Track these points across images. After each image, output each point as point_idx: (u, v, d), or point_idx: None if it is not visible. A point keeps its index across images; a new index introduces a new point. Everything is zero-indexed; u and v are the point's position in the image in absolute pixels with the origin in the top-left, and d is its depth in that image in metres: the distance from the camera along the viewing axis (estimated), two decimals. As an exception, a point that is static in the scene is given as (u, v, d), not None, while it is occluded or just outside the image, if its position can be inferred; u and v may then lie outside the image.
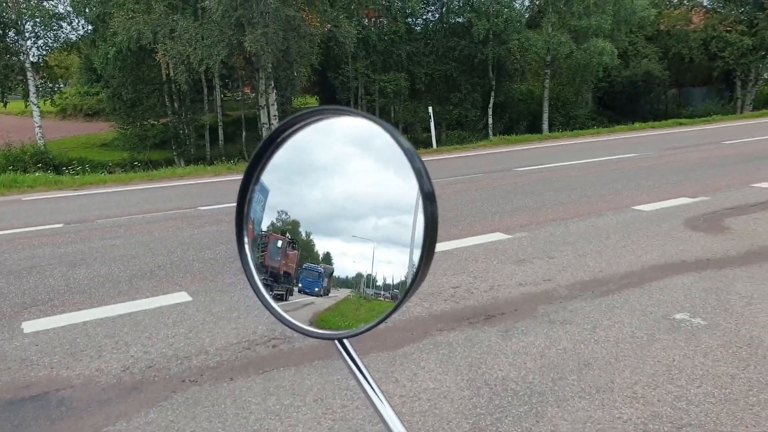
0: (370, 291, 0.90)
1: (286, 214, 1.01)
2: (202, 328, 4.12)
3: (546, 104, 31.52)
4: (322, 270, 1.02)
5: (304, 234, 0.99)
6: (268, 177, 1.00)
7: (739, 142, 13.80)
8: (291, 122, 0.95)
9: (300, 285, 0.95)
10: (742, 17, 32.93)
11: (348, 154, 0.99)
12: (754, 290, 4.47)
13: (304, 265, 0.96)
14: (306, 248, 0.97)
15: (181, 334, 4.02)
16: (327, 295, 0.94)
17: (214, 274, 5.34)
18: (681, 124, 19.87)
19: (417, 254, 0.85)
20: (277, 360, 3.62)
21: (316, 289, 0.94)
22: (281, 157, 0.99)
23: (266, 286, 0.96)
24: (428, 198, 0.82)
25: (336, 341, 0.86)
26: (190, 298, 4.72)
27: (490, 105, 29.92)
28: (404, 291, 0.83)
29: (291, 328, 0.88)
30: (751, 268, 5.01)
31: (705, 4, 37.15)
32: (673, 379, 3.23)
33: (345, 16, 22.98)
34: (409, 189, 0.91)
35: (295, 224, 1.00)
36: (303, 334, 0.88)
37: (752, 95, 35.01)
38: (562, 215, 7.11)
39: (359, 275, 0.94)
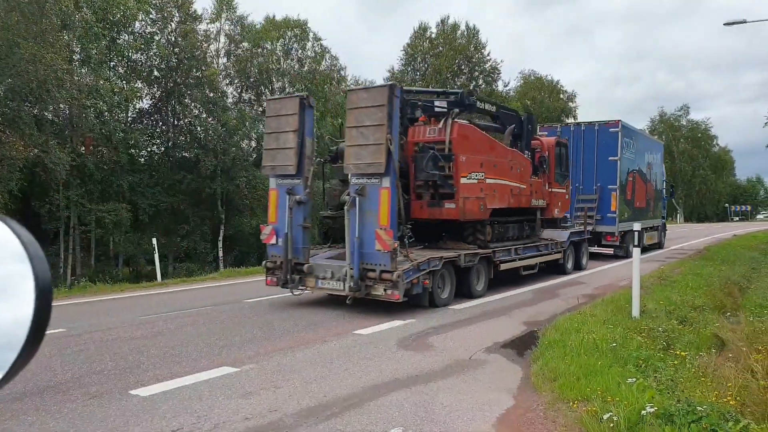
0: None
1: None
2: None
3: (275, 238, 32.66)
4: None
5: None
6: None
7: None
8: None
9: None
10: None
11: None
12: (453, 399, 5.08)
13: None
14: None
15: None
16: None
17: None
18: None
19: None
20: None
21: None
22: None
23: None
24: (43, 292, 0.82)
25: None
26: None
27: (220, 238, 29.90)
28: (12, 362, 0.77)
29: None
30: (451, 380, 5.71)
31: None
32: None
33: (56, 141, 21.37)
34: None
35: None
36: None
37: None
38: (290, 344, 7.26)
39: None
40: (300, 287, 9.83)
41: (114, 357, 6.65)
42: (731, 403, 4.64)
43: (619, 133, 17.32)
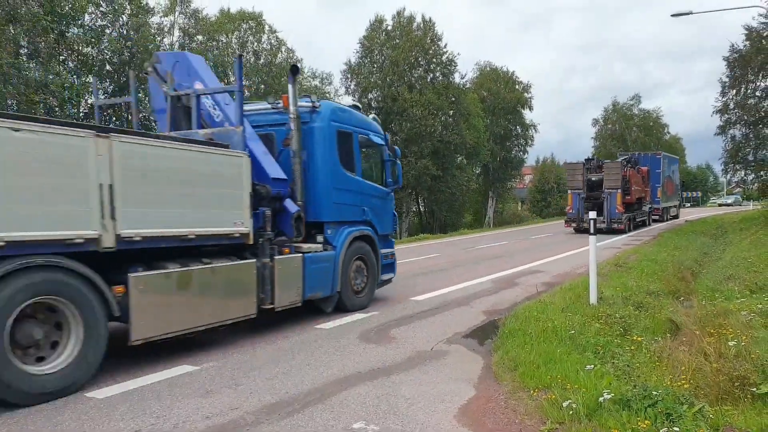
0: None
1: None
2: None
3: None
4: None
5: None
6: None
7: (401, 262, 15.89)
8: None
9: None
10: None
11: None
12: (415, 391, 5.09)
13: None
14: None
15: None
16: None
17: None
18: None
19: None
20: None
21: None
22: None
23: None
24: None
25: None
26: None
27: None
28: None
29: None
30: (412, 372, 5.72)
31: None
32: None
33: None
34: None
35: None
36: None
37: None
38: (250, 340, 7.15)
39: None
40: (582, 229, 24.63)
41: (67, 360, 6.43)
42: (685, 386, 4.76)
43: (661, 158, 34.69)
